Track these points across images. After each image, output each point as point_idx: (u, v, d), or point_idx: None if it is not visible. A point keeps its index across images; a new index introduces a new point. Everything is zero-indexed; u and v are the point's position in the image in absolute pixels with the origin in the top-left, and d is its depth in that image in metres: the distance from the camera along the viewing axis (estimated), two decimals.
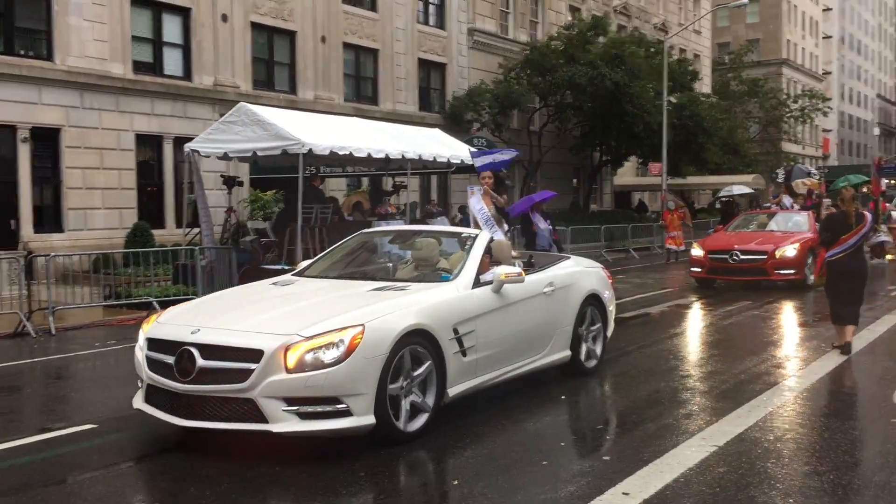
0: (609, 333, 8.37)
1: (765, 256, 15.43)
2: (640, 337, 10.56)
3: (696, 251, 16.51)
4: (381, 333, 5.45)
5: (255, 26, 22.99)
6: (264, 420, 5.21)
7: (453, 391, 6.03)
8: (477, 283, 6.52)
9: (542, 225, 13.19)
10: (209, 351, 5.38)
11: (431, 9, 29.74)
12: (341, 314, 5.58)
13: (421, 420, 5.77)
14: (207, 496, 4.76)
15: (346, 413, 5.25)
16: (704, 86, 47.81)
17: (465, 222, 19.08)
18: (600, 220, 30.08)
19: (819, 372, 8.13)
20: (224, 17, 21.92)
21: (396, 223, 16.93)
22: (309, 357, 5.24)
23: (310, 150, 14.01)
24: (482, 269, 6.73)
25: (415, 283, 6.57)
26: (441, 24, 30.09)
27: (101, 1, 19.12)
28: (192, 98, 21.11)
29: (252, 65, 22.89)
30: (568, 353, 7.51)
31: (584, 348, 7.79)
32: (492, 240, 7.31)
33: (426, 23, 29.43)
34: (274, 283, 6.95)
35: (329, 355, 5.26)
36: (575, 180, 37.86)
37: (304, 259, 14.22)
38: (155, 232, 18.31)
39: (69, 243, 17.91)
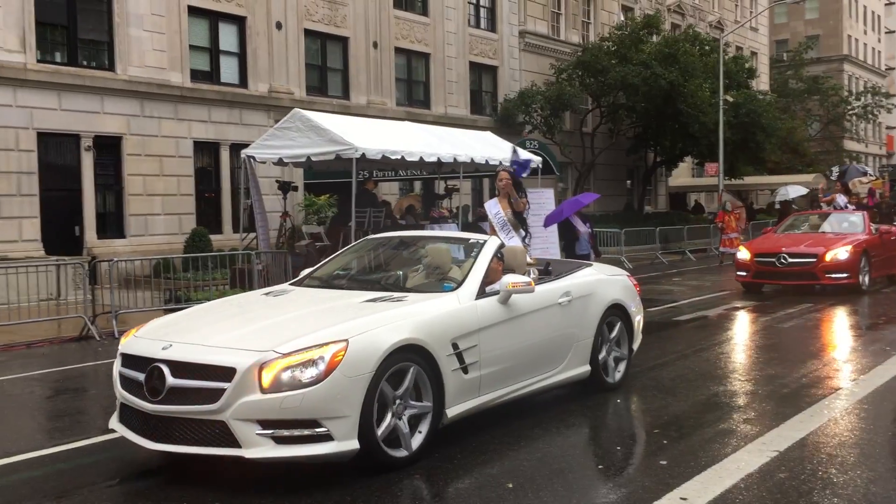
0: (636, 346, 7.81)
1: (815, 259, 14.64)
2: (696, 340, 10.39)
3: (742, 254, 15.75)
4: (368, 349, 5.00)
5: (309, 33, 23.29)
6: (237, 444, 4.79)
7: (453, 411, 5.55)
8: (482, 294, 6.04)
9: (583, 228, 12.93)
10: (180, 368, 4.98)
11: (482, 12, 29.75)
12: (324, 328, 5.12)
13: (415, 442, 5.30)
14: None
15: (326, 437, 4.81)
16: (762, 84, 46.85)
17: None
18: (655, 221, 29.69)
19: (883, 376, 7.89)
20: (278, 25, 22.26)
21: (449, 226, 16.98)
22: (285, 376, 4.81)
23: (363, 155, 14.14)
24: (494, 277, 6.29)
25: (414, 293, 6.07)
26: (492, 26, 30.08)
27: (160, 11, 19.60)
28: (248, 105, 21.49)
29: (306, 71, 23.19)
30: (587, 368, 7.01)
31: (605, 363, 7.27)
32: (503, 246, 6.82)
33: (477, 26, 29.46)
34: (267, 294, 6.59)
35: (307, 374, 4.82)
36: (629, 182, 37.44)
37: None
38: (212, 237, 18.67)
39: (131, 249, 18.38)
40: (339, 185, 18.07)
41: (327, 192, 20.64)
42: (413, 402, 5.30)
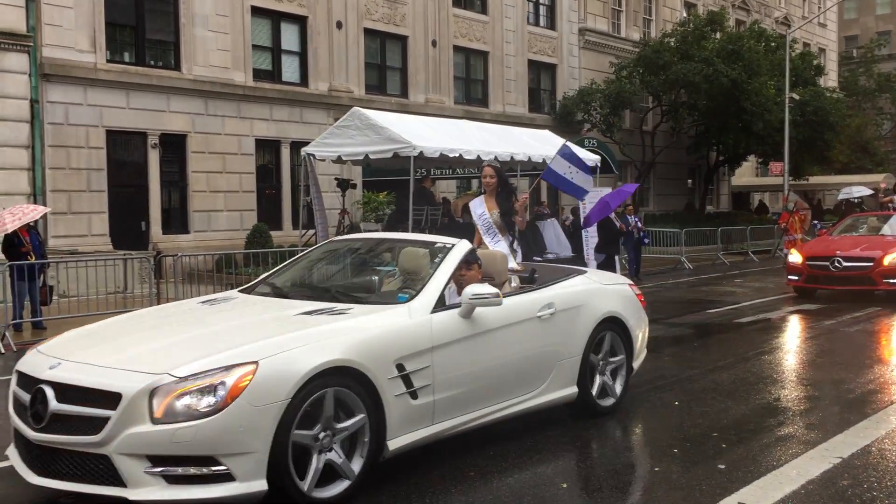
0: (636, 365, 6.92)
1: (871, 263, 13.86)
2: (758, 343, 10.17)
3: (794, 257, 15.03)
4: (282, 373, 4.30)
5: (368, 32, 23.49)
6: (122, 483, 4.14)
7: (397, 443, 4.84)
8: (442, 307, 5.28)
9: (624, 227, 12.41)
10: (64, 391, 4.32)
11: (542, 10, 29.58)
12: (234, 347, 4.43)
13: (338, 488, 4.53)
14: None
15: (226, 477, 4.14)
16: (830, 81, 45.52)
17: (575, 224, 18.88)
18: (716, 221, 29.14)
19: None
20: (339, 24, 22.51)
21: None
22: (180, 404, 4.13)
23: (420, 153, 14.23)
24: (467, 284, 5.58)
25: (362, 304, 5.35)
26: (551, 24, 29.90)
27: (224, 12, 20.00)
28: (309, 103, 21.78)
29: (365, 70, 23.40)
30: (573, 390, 6.15)
31: (596, 384, 6.39)
32: (473, 251, 5.96)
33: (536, 24, 29.31)
34: (206, 301, 5.87)
35: (204, 402, 4.14)
36: (690, 181, 36.81)
37: None
38: (273, 233, 18.98)
39: (194, 244, 18.81)
40: (397, 182, 18.20)
41: (385, 190, 20.80)
42: (341, 426, 4.56)
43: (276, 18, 21.41)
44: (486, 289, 5.31)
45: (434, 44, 25.18)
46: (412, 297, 5.28)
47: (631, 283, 7.25)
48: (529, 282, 6.62)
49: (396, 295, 5.52)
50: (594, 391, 6.35)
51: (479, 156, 15.32)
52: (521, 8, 28.19)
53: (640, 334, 6.93)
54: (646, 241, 20.17)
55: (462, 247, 5.83)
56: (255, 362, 4.28)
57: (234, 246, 17.90)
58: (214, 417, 4.12)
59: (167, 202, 19.42)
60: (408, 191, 15.04)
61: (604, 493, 4.79)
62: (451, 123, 17.14)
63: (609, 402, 6.49)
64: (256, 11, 20.81)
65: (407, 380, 4.88)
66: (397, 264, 6.08)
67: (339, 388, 4.52)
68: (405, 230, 14.89)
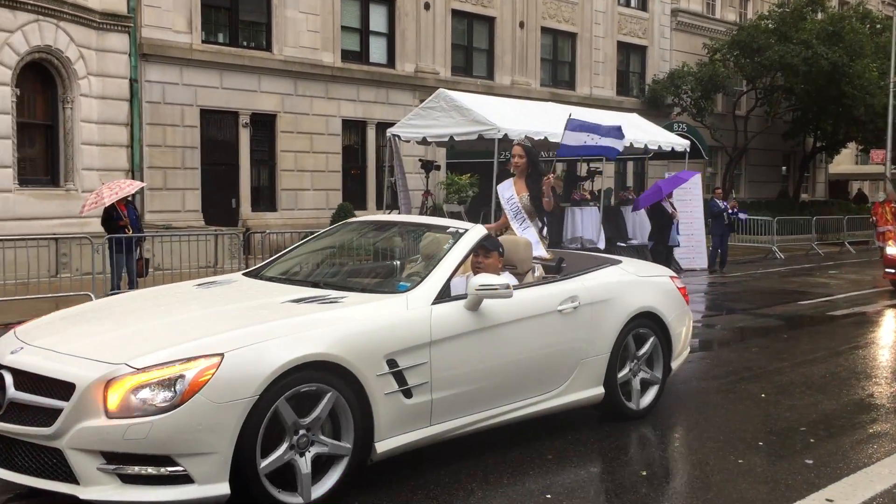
0: (676, 364, 6.34)
1: None
2: (852, 336, 9.77)
3: (892, 249, 14.46)
4: (251, 367, 3.94)
5: (456, 13, 23.44)
6: (74, 480, 3.85)
7: (387, 445, 4.45)
8: (446, 297, 4.87)
9: (675, 213, 11.90)
10: (22, 378, 4.07)
11: None
12: (202, 337, 4.08)
13: (323, 488, 4.20)
14: None
15: (184, 479, 3.82)
16: None
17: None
18: (811, 210, 28.05)
19: None
20: (427, 6, 22.53)
21: (590, 209, 16.74)
22: (136, 397, 3.82)
23: (505, 135, 14.16)
24: (489, 273, 5.24)
25: (358, 293, 4.98)
26: (643, 5, 29.21)
27: None
28: (395, 84, 21.92)
29: (451, 51, 23.38)
30: (600, 390, 5.66)
31: (627, 385, 5.88)
32: (487, 237, 5.48)
33: (627, 4, 28.69)
34: (202, 285, 5.50)
35: (161, 397, 3.83)
36: (784, 168, 35.54)
37: None
38: (357, 212, 19.23)
39: (281, 221, 19.25)
40: (481, 165, 18.17)
41: (469, 172, 20.80)
42: (323, 438, 4.21)
43: (365, 0, 21.59)
44: (495, 279, 4.88)
45: (522, 25, 24.95)
46: (412, 287, 4.86)
47: (673, 274, 6.66)
48: (556, 271, 6.18)
49: (397, 283, 5.11)
50: (623, 393, 5.84)
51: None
52: None
53: (682, 332, 6.35)
54: (742, 216, 19.81)
55: (476, 232, 5.39)
56: (220, 354, 3.93)
57: (319, 224, 18.22)
58: (170, 414, 3.79)
59: (256, 180, 19.90)
60: (491, 173, 14.99)
61: (686, 484, 4.70)
62: (536, 106, 16.99)
63: (641, 404, 5.95)
64: None
65: (399, 377, 4.47)
66: (420, 250, 5.76)
67: (320, 385, 4.14)
68: (488, 213, 14.87)
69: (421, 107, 16.22)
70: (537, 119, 15.46)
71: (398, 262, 5.90)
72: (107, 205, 11.51)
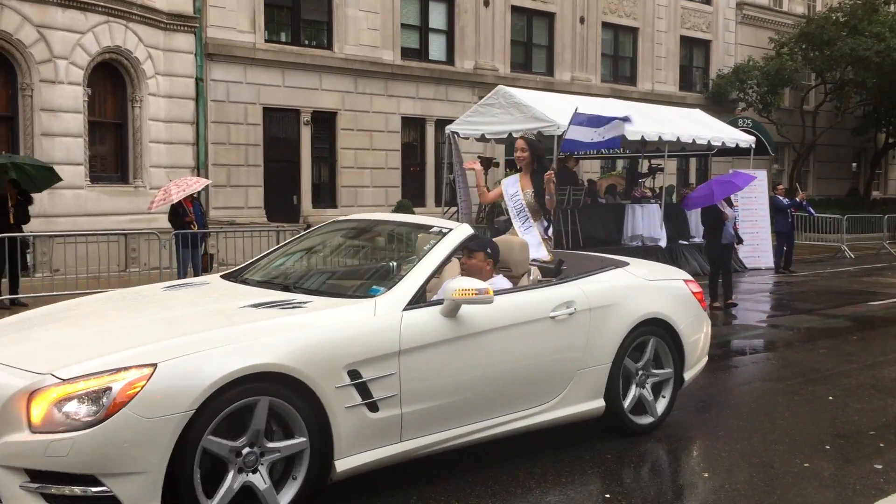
0: (690, 375, 5.82)
1: None
2: None
3: None
4: (187, 379, 3.61)
5: (515, 9, 23.34)
6: None
7: (349, 463, 4.09)
8: (420, 303, 4.49)
9: (729, 212, 11.54)
10: None
11: None
12: (139, 345, 3.78)
13: None
14: None
15: (110, 500, 3.52)
16: None
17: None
18: (883, 208, 27.13)
19: None
20: (486, 2, 22.49)
21: (651, 207, 16.49)
22: (60, 411, 3.52)
23: (564, 132, 14.03)
24: (483, 277, 4.95)
25: (325, 297, 4.63)
26: None
27: None
28: (454, 81, 21.94)
29: (510, 47, 23.29)
30: (600, 403, 5.23)
31: (630, 398, 5.42)
32: (474, 237, 5.09)
33: None
34: (174, 286, 5.22)
35: (85, 410, 3.51)
36: (854, 165, 34.48)
37: (554, 240, 14.44)
38: (416, 209, 19.35)
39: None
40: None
41: None
42: (273, 445, 3.87)
43: None
44: (475, 283, 4.47)
45: (582, 20, 24.71)
46: (384, 292, 4.49)
47: (688, 277, 6.11)
48: (554, 274, 5.71)
49: (370, 287, 4.72)
50: (627, 406, 5.38)
51: (624, 135, 14.95)
52: None
53: (696, 340, 5.82)
54: (809, 209, 19.77)
55: (460, 232, 4.97)
56: (153, 365, 3.60)
57: None
58: (94, 430, 3.47)
59: (317, 177, 20.16)
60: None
61: (749, 486, 4.61)
62: (596, 102, 16.78)
63: (647, 419, 5.50)
64: None
65: (363, 389, 4.11)
66: (403, 250, 5.48)
67: (270, 398, 3.80)
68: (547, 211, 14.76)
69: (480, 104, 16.20)
70: None
71: (381, 264, 5.58)
72: (174, 202, 11.80)
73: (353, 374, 4.08)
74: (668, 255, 16.12)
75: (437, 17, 21.98)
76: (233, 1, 18.13)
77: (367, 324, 4.25)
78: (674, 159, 19.98)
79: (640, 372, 5.49)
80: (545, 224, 6.81)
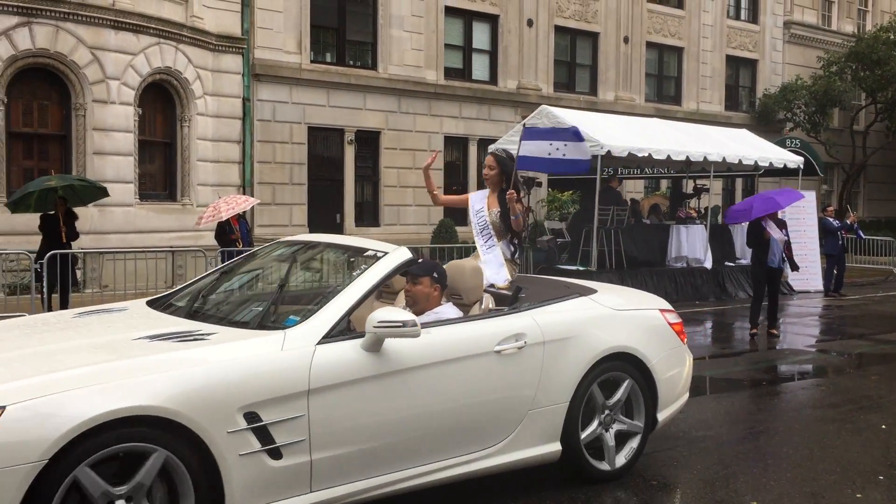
0: (664, 416, 5.22)
1: None
2: None
3: None
4: (40, 425, 3.18)
5: (559, 29, 23.35)
6: None
7: None
8: (339, 336, 4.02)
9: (777, 234, 11.03)
10: None
11: (742, 2, 28.12)
12: None
13: None
14: None
15: None
16: None
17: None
18: None
19: None
20: (529, 22, 22.55)
21: (696, 227, 16.29)
22: None
23: (608, 152, 13.99)
24: (426, 306, 4.63)
25: (234, 328, 4.18)
26: (753, 17, 28.36)
27: (419, 12, 20.62)
28: (497, 101, 21.99)
29: (553, 67, 23.29)
30: (556, 447, 4.70)
31: (595, 441, 4.90)
32: (412, 262, 4.60)
33: (737, 17, 27.92)
34: (85, 313, 4.78)
35: None
36: None
37: (597, 261, 14.38)
38: (458, 228, 19.35)
39: (384, 237, 19.55)
40: (583, 181, 17.97)
41: (570, 189, 20.61)
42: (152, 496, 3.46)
43: (468, 18, 21.79)
44: (398, 314, 3.99)
45: (626, 40, 24.63)
46: (298, 323, 4.03)
47: (666, 307, 5.52)
48: (510, 303, 5.16)
49: (287, 317, 4.20)
50: (589, 450, 4.85)
51: (668, 155, 14.84)
52: (721, 1, 26.94)
53: (672, 377, 5.23)
54: (859, 231, 19.40)
55: (396, 257, 4.47)
56: (3, 408, 3.18)
57: (420, 240, 18.43)
58: None
59: (360, 196, 20.31)
60: (593, 190, 14.81)
61: None
62: (640, 122, 16.69)
63: (615, 464, 4.94)
64: (450, 11, 21.27)
65: (262, 433, 3.67)
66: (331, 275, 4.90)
67: (144, 445, 3.39)
68: (589, 231, 14.69)
69: (522, 123, 16.21)
70: (641, 135, 15.19)
71: (311, 291, 5.01)
72: (223, 219, 11.98)
73: (250, 417, 3.64)
74: (714, 278, 15.89)
75: (480, 38, 22.09)
76: (280, 22, 18.45)
77: (271, 359, 3.78)
78: (720, 179, 19.70)
79: (607, 411, 4.94)
80: (512, 248, 6.23)
